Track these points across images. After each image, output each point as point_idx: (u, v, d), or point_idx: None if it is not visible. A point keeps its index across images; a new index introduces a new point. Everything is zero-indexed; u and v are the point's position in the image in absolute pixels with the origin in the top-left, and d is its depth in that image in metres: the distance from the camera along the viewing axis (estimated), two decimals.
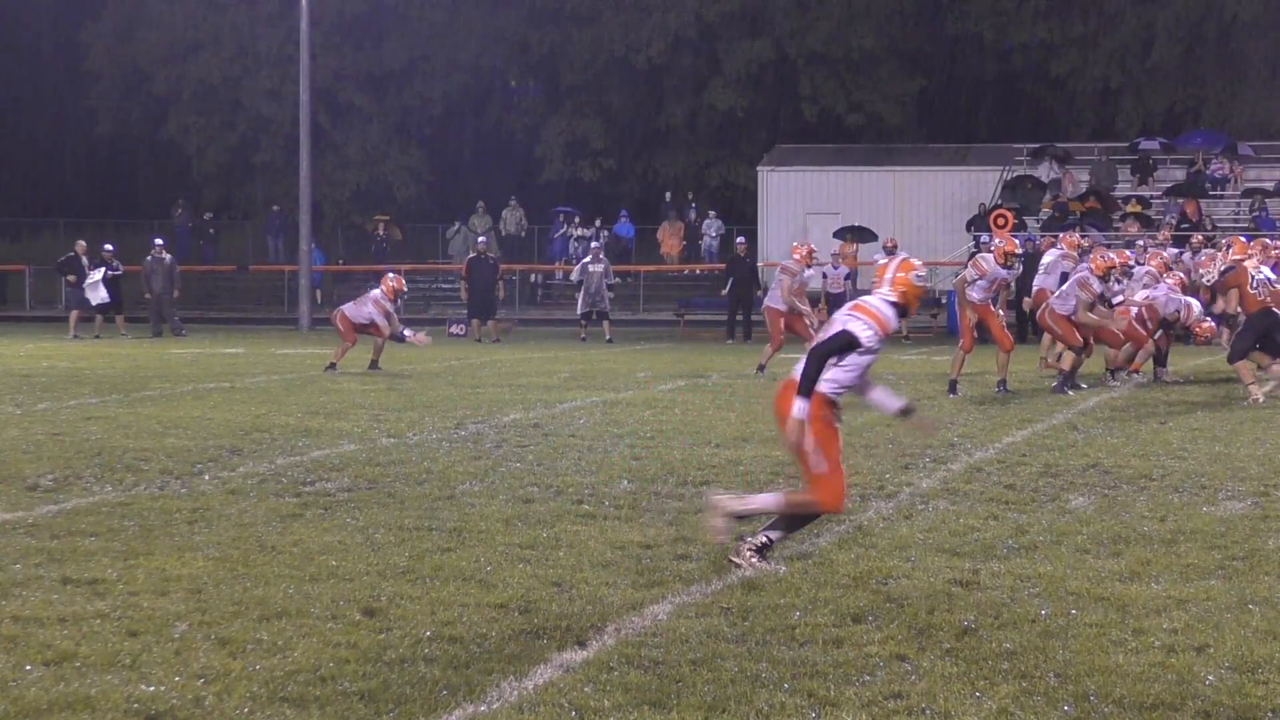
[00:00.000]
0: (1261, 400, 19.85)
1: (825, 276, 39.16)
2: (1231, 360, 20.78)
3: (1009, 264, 21.83)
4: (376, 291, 26.37)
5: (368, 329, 25.94)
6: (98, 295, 38.75)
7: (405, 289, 27.12)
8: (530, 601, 8.72)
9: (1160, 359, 23.58)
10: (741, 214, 54.86)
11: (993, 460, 14.37)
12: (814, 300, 40.36)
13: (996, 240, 24.57)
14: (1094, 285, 21.86)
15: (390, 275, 27.12)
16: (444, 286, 52.64)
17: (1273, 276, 21.02)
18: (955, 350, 22.03)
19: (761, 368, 25.24)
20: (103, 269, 38.94)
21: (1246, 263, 21.42)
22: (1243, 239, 24.73)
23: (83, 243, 40.47)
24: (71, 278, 39.35)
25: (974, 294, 21.65)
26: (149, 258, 40.08)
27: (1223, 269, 21.33)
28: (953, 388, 21.37)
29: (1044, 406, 19.56)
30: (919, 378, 24.38)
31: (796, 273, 25.42)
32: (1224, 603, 8.71)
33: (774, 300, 25.52)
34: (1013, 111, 58.88)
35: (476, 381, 23.84)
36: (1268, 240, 26.66)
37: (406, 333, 25.93)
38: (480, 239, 42.07)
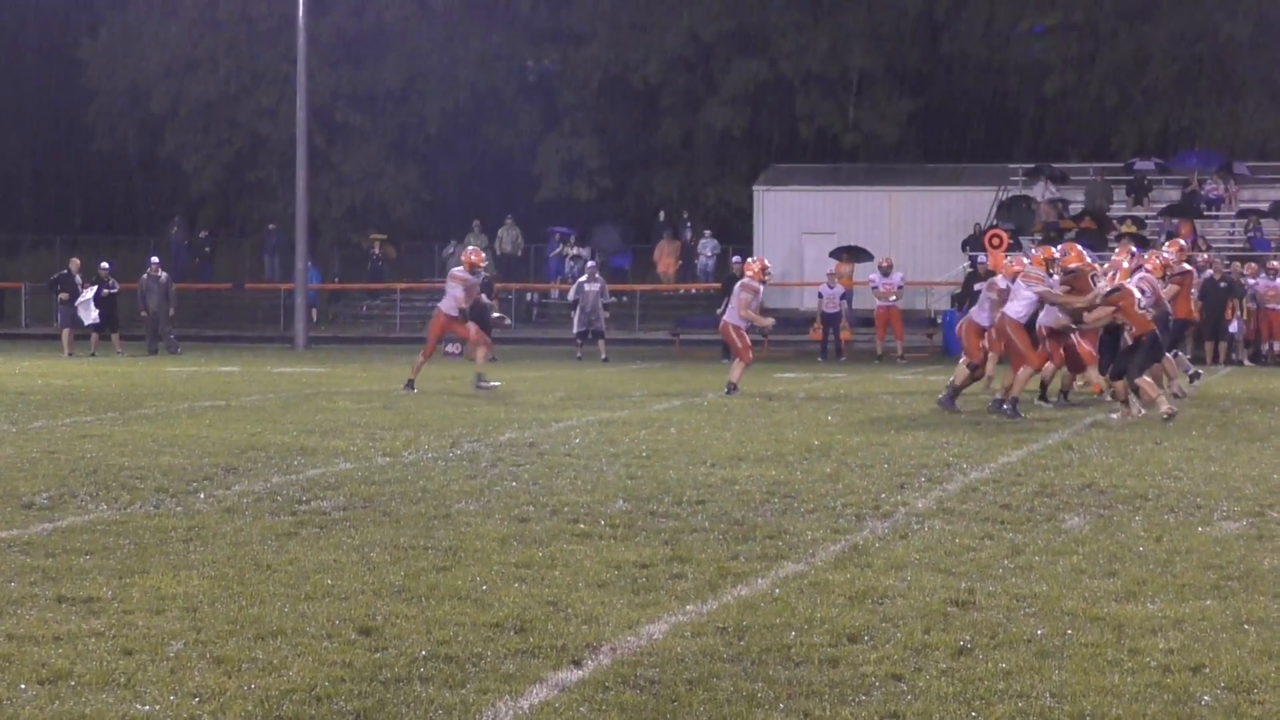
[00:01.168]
0: (1175, 411, 19.98)
1: (821, 296, 39.23)
2: (1132, 378, 20.59)
3: (1051, 271, 21.64)
4: (454, 269, 26.43)
5: (456, 323, 25.85)
6: (89, 315, 38.75)
7: (484, 262, 26.86)
8: (526, 621, 8.71)
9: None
10: (737, 233, 54.87)
11: (988, 480, 14.37)
12: (809, 319, 40.64)
13: (1033, 250, 24.49)
14: (1000, 285, 22.02)
15: (471, 249, 27.26)
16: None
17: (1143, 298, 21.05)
18: (1024, 369, 21.25)
19: (733, 386, 25.20)
20: (95, 288, 38.94)
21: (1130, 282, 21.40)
22: (1133, 249, 24.63)
23: (77, 260, 40.52)
24: (64, 295, 39.33)
25: (1017, 309, 21.26)
26: (145, 275, 40.07)
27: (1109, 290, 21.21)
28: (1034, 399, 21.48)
29: (1040, 426, 19.56)
30: (915, 396, 24.39)
31: (757, 289, 25.66)
32: (1220, 623, 8.71)
33: (732, 316, 25.75)
34: (1008, 131, 58.91)
35: (472, 400, 23.84)
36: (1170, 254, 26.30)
37: (495, 314, 26.08)
38: None
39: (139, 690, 7.38)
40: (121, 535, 11.26)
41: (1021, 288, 21.21)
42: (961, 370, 22.25)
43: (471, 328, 26.31)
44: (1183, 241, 28.00)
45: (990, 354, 22.66)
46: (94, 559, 10.40)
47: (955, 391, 21.86)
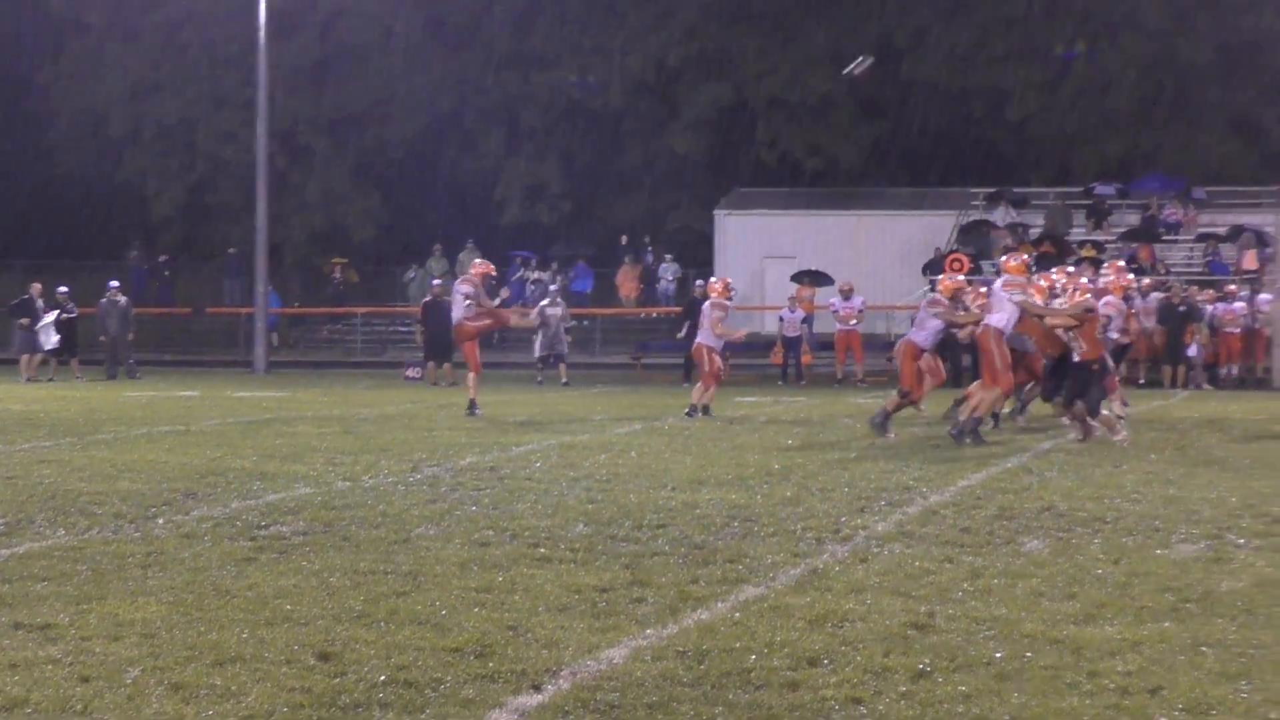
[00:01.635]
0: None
1: (782, 320, 39.30)
2: (1094, 404, 20.67)
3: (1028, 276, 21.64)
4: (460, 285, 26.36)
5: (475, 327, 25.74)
6: (49, 340, 38.64)
7: (494, 273, 26.66)
8: (485, 645, 8.68)
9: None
10: (699, 257, 54.95)
11: (948, 503, 14.40)
12: (770, 343, 40.67)
13: (1005, 259, 24.24)
14: (942, 300, 21.98)
15: (478, 261, 27.29)
16: (400, 329, 52.59)
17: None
18: (992, 392, 21.05)
19: (704, 409, 25.28)
20: (56, 312, 38.82)
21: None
22: (1068, 271, 24.65)
23: (38, 285, 40.34)
24: (25, 320, 39.14)
25: (1000, 319, 20.84)
26: (104, 300, 39.96)
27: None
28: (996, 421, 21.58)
29: (999, 450, 19.60)
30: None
31: (726, 306, 25.83)
32: (1178, 645, 8.73)
33: (706, 338, 25.72)
34: (970, 156, 59.04)
35: (432, 425, 23.80)
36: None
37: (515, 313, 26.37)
38: (436, 282, 42.09)
39: (96, 717, 7.34)
40: (79, 561, 11.20)
41: (1004, 297, 20.99)
42: (893, 397, 22.19)
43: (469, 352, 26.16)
44: (1121, 264, 27.96)
45: (928, 377, 22.70)
46: (51, 585, 10.34)
47: (886, 416, 21.76)
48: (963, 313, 22.00)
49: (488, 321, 26.08)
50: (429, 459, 18.37)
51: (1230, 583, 10.53)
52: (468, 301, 25.52)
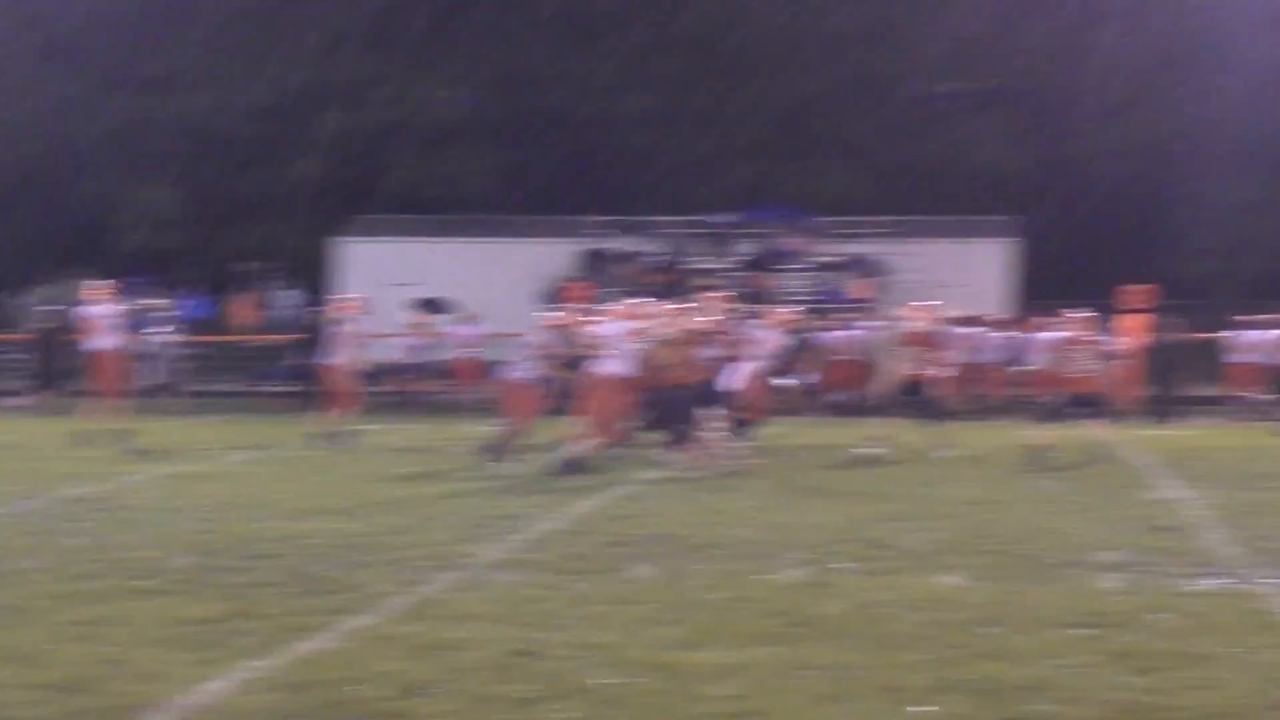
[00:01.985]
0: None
1: (401, 347, 39.18)
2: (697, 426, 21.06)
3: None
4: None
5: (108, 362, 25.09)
6: None
7: (106, 294, 26.00)
8: (82, 680, 8.45)
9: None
10: (321, 285, 54.46)
11: (559, 530, 14.48)
12: (389, 370, 40.46)
13: (617, 304, 23.96)
14: (548, 340, 22.04)
15: (90, 285, 26.53)
16: (8, 358, 50.99)
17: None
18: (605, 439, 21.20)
19: (330, 434, 25.04)
20: None
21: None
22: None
23: None
24: None
25: (618, 366, 20.76)
26: None
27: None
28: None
29: (612, 477, 19.76)
30: None
31: (359, 322, 25.82)
32: (779, 668, 8.89)
33: (334, 357, 25.60)
34: (594, 184, 59.56)
35: (39, 455, 23.12)
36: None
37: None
38: (48, 308, 41.03)
39: None
40: None
41: (624, 344, 20.95)
42: (503, 428, 22.16)
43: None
44: (716, 295, 28.28)
45: (530, 410, 22.67)
46: None
47: (498, 448, 21.67)
48: (566, 351, 21.91)
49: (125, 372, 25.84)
50: (30, 489, 17.82)
51: (831, 606, 10.77)
52: (116, 329, 25.24)
